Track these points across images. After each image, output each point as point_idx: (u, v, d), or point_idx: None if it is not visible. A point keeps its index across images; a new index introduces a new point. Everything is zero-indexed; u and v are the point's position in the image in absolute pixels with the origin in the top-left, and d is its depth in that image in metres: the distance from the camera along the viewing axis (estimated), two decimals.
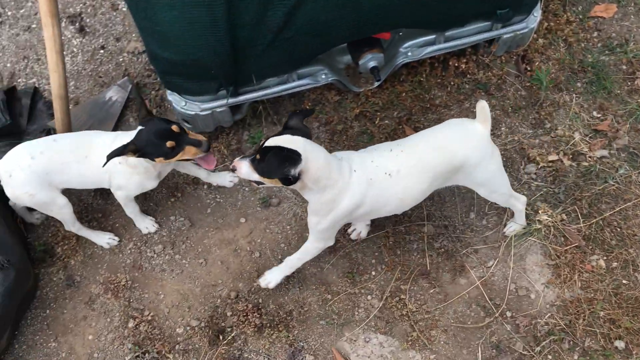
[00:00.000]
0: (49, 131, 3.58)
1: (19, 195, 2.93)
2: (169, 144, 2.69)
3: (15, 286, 2.92)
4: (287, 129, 2.53)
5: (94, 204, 3.39)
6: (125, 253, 3.28)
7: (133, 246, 3.29)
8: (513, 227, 3.18)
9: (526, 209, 3.11)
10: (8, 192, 2.94)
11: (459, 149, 2.67)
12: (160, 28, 2.71)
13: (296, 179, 2.45)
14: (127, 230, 3.32)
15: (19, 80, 3.82)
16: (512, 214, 3.15)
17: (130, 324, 3.09)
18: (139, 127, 2.74)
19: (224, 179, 3.36)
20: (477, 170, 2.73)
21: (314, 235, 2.86)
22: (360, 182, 2.60)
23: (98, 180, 3.01)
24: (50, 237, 3.33)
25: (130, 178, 2.95)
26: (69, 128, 3.29)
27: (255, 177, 2.53)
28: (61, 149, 2.93)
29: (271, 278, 3.05)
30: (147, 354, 3.01)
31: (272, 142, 2.47)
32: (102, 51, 3.86)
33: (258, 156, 2.49)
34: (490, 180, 2.83)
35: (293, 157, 2.41)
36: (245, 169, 2.53)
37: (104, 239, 3.26)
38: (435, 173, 2.68)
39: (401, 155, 2.65)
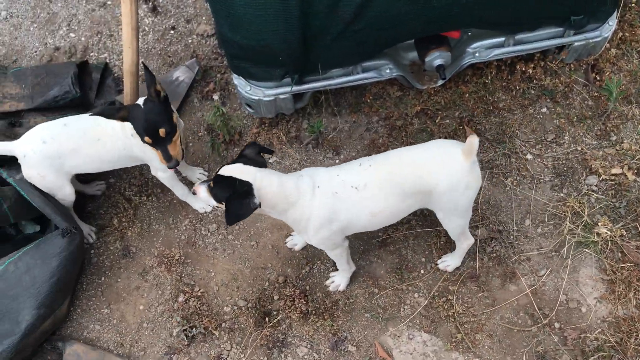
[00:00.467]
0: (113, 103, 3.70)
1: (31, 175, 3.02)
2: (146, 139, 2.77)
3: (79, 252, 3.04)
4: (241, 157, 2.55)
5: (154, 179, 3.48)
6: (180, 229, 3.36)
7: (188, 223, 3.37)
8: (448, 263, 3.12)
9: (586, 220, 3.05)
10: (23, 171, 3.03)
11: (430, 171, 2.60)
12: (234, 11, 2.77)
13: (256, 207, 2.46)
14: (183, 207, 3.41)
15: (91, 54, 3.95)
16: (577, 227, 3.09)
17: (181, 298, 3.17)
18: (141, 100, 2.80)
19: (194, 173, 3.47)
20: (444, 197, 2.65)
21: (321, 247, 2.87)
22: (325, 196, 2.59)
23: (114, 160, 3.06)
24: (110, 207, 3.44)
25: (144, 149, 2.96)
26: None
27: (213, 202, 2.56)
28: (72, 133, 2.98)
29: (340, 281, 3.11)
30: (194, 329, 3.08)
31: (226, 171, 2.49)
32: (172, 32, 3.96)
33: (211, 184, 2.52)
34: (454, 211, 2.74)
35: (245, 190, 2.43)
36: (203, 193, 2.56)
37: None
38: (402, 191, 2.62)
39: (369, 170, 2.62)
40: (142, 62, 3.07)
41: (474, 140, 2.50)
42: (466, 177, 2.60)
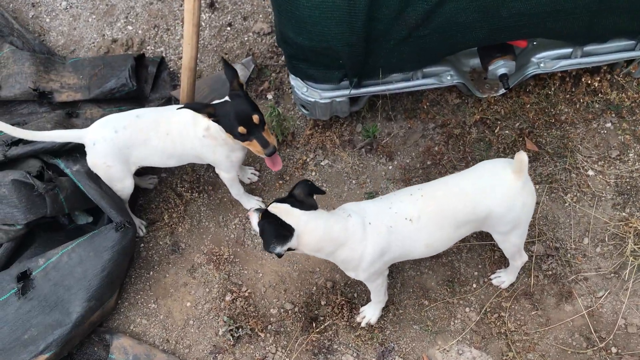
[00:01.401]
0: (169, 100, 3.70)
1: (97, 163, 3.01)
2: (240, 129, 2.72)
3: (130, 246, 3.05)
4: (290, 197, 2.48)
5: (205, 176, 3.48)
6: (230, 228, 3.35)
7: (238, 222, 3.35)
8: (503, 279, 3.04)
9: None
10: (88, 159, 3.02)
11: (483, 199, 2.52)
12: (300, 12, 2.72)
13: (281, 255, 2.42)
14: (234, 206, 3.39)
15: (147, 47, 3.96)
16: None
17: (228, 298, 3.16)
18: (226, 98, 2.78)
19: (245, 173, 3.42)
20: (501, 221, 2.58)
21: (364, 281, 2.79)
22: (379, 232, 2.52)
23: (179, 156, 3.05)
24: (161, 202, 3.45)
25: (215, 150, 2.96)
26: (192, 100, 3.39)
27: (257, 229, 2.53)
28: (143, 125, 2.98)
29: (372, 314, 3.01)
30: (240, 329, 3.07)
31: (274, 208, 2.44)
32: (228, 28, 3.94)
33: (261, 215, 2.48)
34: (511, 231, 2.65)
35: (284, 233, 2.38)
36: (254, 222, 2.52)
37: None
38: (458, 220, 2.55)
39: (421, 200, 2.54)
40: (222, 57, 3.06)
41: (523, 157, 2.42)
42: (520, 196, 2.52)
